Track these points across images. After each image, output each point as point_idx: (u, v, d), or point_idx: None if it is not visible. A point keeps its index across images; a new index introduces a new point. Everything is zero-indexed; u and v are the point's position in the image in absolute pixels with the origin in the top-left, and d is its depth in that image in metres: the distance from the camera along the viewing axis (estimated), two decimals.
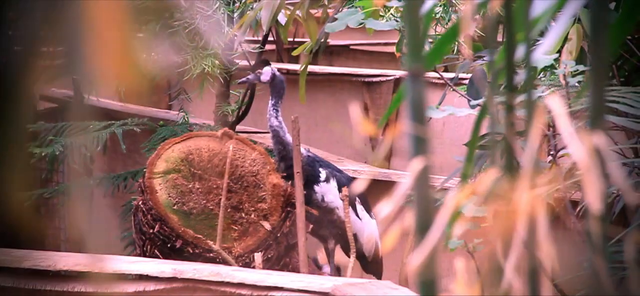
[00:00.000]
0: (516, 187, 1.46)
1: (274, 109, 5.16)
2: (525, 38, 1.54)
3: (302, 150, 5.20)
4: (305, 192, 5.01)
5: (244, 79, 5.55)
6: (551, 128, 3.84)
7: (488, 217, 1.42)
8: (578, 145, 1.36)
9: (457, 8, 4.89)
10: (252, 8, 4.85)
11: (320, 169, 5.21)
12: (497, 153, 1.56)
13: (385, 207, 1.47)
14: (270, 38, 8.25)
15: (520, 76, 1.51)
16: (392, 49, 7.49)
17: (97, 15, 1.14)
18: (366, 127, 1.55)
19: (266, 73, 5.22)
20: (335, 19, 4.37)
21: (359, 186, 4.74)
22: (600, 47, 1.42)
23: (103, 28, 1.15)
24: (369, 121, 1.54)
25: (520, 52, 1.59)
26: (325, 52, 9.93)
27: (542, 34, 2.91)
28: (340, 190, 5.11)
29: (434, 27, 5.64)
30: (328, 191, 5.17)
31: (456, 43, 5.26)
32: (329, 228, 5.18)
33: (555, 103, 1.37)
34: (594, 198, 1.38)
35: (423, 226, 1.45)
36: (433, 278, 1.43)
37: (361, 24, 4.32)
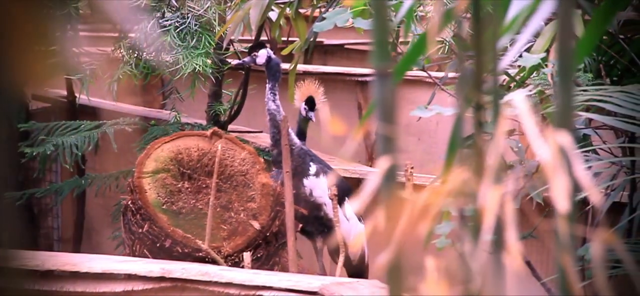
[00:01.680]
0: (484, 186, 1.46)
1: (271, 93, 5.16)
2: (494, 39, 1.54)
3: (297, 142, 5.19)
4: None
5: (239, 62, 5.58)
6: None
7: (454, 216, 1.42)
8: (544, 145, 1.36)
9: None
10: (242, 8, 4.84)
11: (311, 163, 5.21)
12: (468, 153, 1.56)
13: (353, 204, 1.47)
14: (264, 37, 8.25)
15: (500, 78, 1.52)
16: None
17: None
18: (336, 126, 1.55)
19: (262, 56, 5.23)
20: (324, 19, 4.36)
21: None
22: (567, 46, 1.42)
23: (7, 24, 1.15)
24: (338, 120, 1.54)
25: (495, 53, 1.59)
26: (319, 51, 9.93)
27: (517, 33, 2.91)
28: (329, 188, 5.10)
29: (426, 26, 5.64)
30: (317, 186, 5.16)
31: (447, 42, 5.26)
32: (315, 224, 5.18)
33: (521, 103, 1.37)
34: (561, 198, 1.39)
35: (391, 225, 1.45)
36: (400, 276, 1.43)
37: (352, 23, 4.32)
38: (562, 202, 1.39)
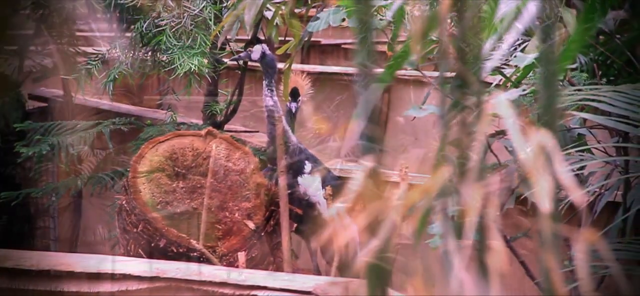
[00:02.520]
0: (468, 186, 1.46)
1: (268, 89, 5.15)
2: (480, 41, 1.54)
3: (293, 140, 5.19)
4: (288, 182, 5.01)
5: (235, 57, 5.62)
6: None
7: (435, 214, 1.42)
8: (525, 145, 1.36)
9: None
10: (238, 7, 4.83)
11: (306, 162, 5.21)
12: (455, 153, 1.56)
13: (338, 204, 1.47)
14: (261, 37, 8.25)
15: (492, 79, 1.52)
16: (384, 48, 7.50)
17: None
18: (320, 125, 1.55)
19: (256, 51, 5.25)
20: (319, 18, 4.36)
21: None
22: (549, 47, 1.43)
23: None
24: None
25: (480, 54, 1.59)
26: (316, 51, 9.93)
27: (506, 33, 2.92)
28: (324, 187, 5.10)
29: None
30: (311, 185, 5.16)
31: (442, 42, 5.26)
32: (309, 224, 5.17)
33: (502, 104, 1.37)
34: (542, 198, 1.39)
35: (374, 224, 1.45)
36: (383, 273, 1.44)
37: (346, 21, 4.32)
38: (544, 202, 1.39)
